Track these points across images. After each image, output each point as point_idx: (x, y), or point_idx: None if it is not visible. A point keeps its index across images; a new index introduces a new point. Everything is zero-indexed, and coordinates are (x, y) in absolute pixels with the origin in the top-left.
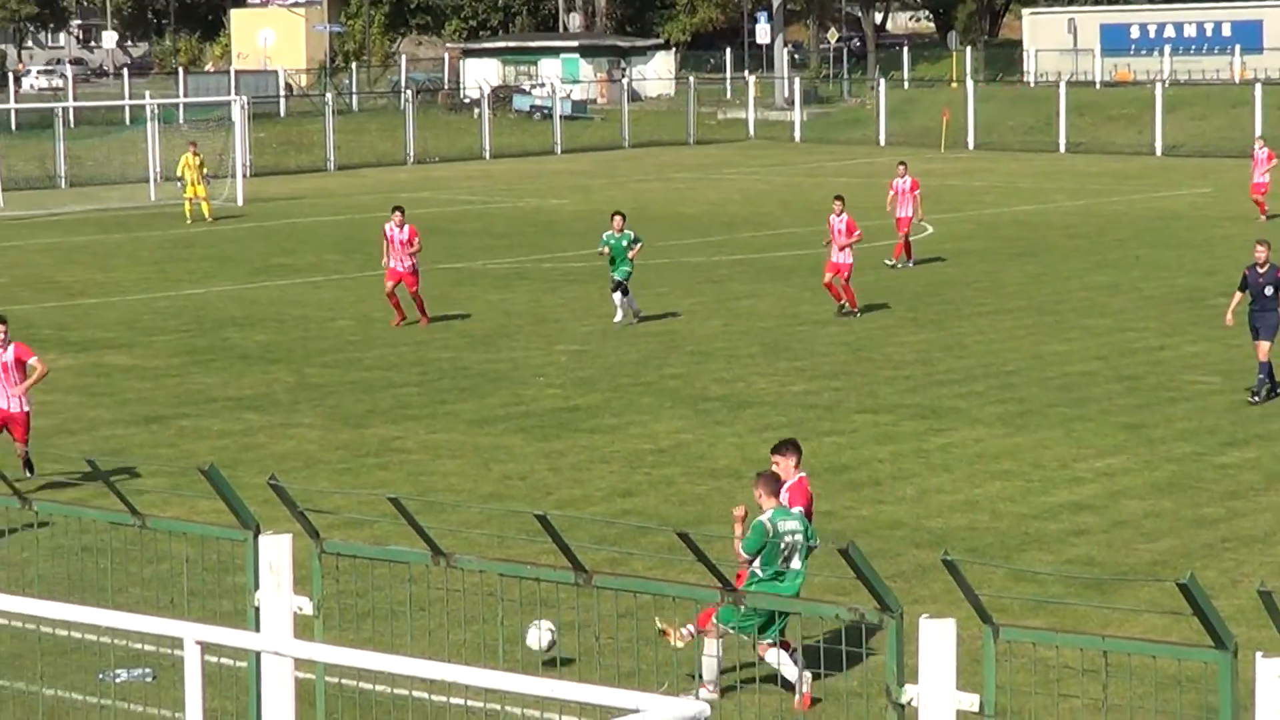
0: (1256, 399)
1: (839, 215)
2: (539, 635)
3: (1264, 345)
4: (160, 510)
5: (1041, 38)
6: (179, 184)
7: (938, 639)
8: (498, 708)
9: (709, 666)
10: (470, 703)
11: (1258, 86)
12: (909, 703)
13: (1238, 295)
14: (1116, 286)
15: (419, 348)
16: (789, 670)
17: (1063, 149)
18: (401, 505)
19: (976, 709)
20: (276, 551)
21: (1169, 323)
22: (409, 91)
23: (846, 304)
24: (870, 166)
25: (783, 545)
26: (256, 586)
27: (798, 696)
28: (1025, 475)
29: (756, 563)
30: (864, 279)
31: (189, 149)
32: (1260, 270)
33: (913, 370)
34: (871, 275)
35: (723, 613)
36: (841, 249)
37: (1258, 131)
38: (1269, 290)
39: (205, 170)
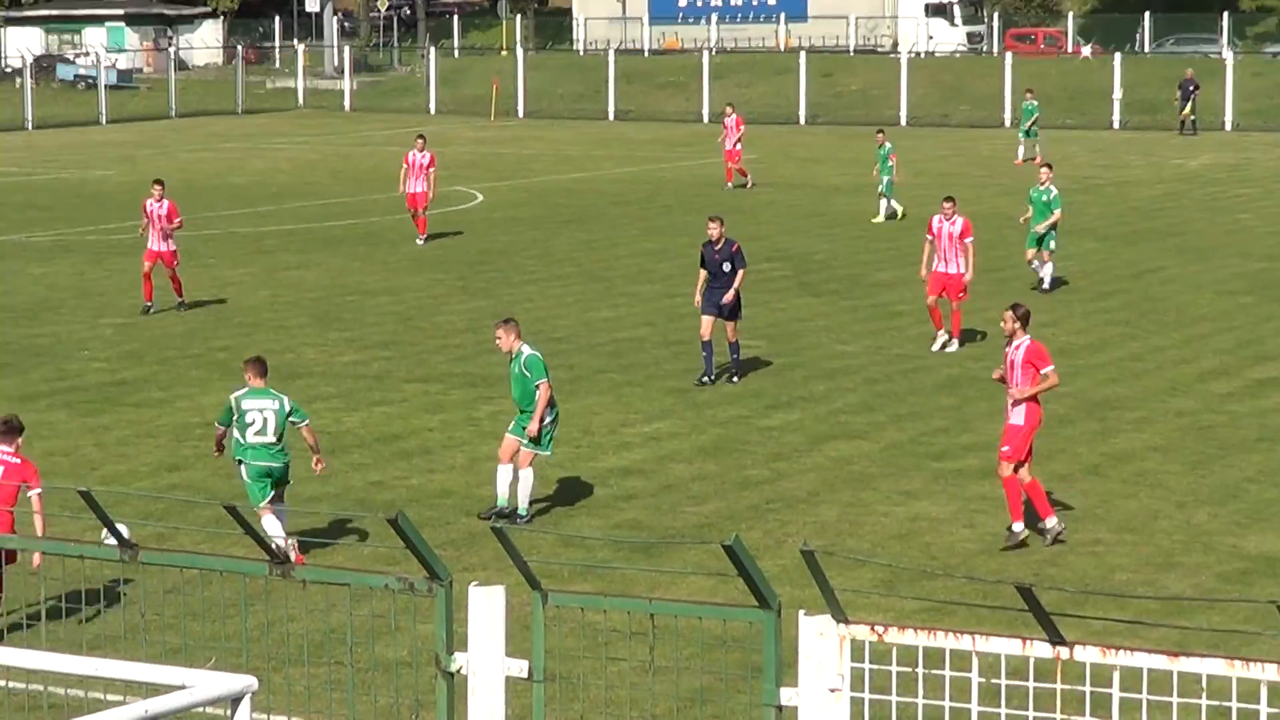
0: (709, 380)
1: (949, 218)
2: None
3: (731, 325)
4: None
5: (591, 6)
6: None
7: (487, 606)
8: (40, 689)
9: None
10: (11, 684)
11: (802, 55)
12: (458, 670)
13: (701, 274)
14: (664, 252)
15: None
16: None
17: (612, 117)
18: None
19: (526, 674)
20: None
21: None
22: None
23: (948, 335)
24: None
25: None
26: None
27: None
28: (574, 442)
29: None
30: (412, 247)
31: None
32: (716, 247)
33: (463, 339)
34: (412, 246)
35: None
36: (946, 260)
37: (802, 100)
38: (726, 266)
39: None
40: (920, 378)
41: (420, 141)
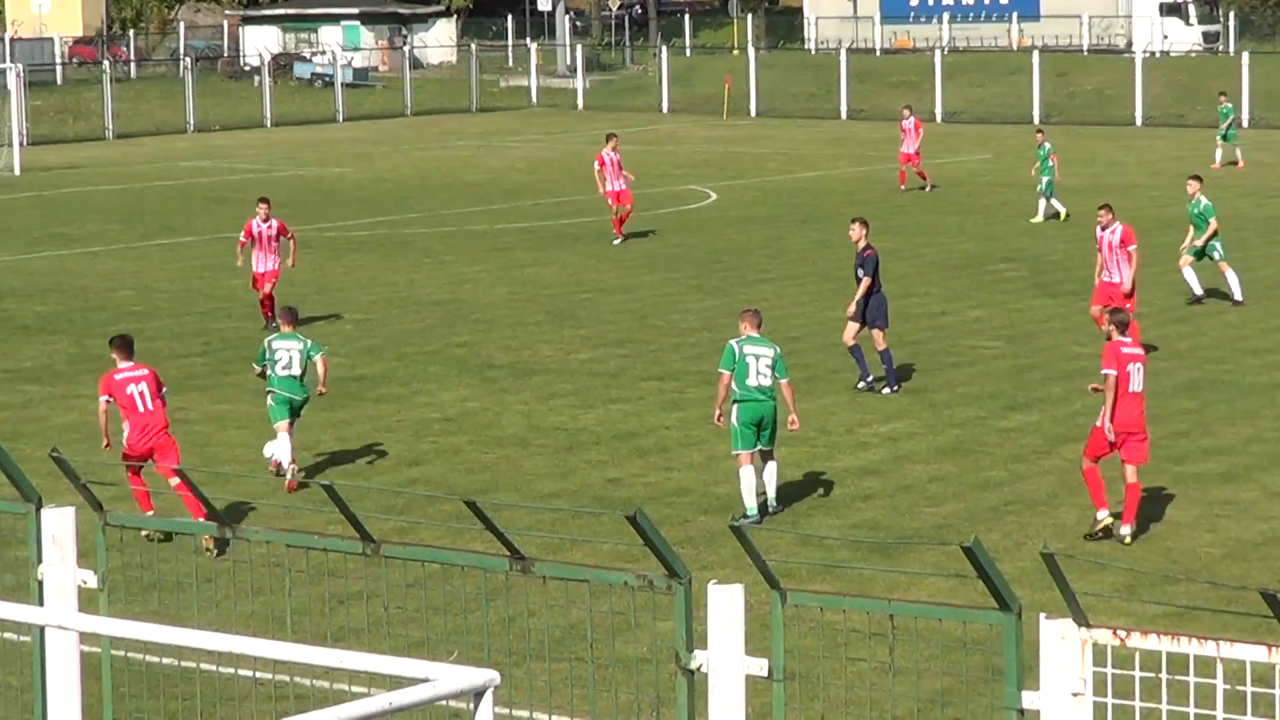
0: (866, 384)
1: (1106, 227)
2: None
3: (877, 333)
4: None
5: (822, 5)
6: None
7: (726, 605)
8: (286, 679)
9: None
10: (259, 674)
11: (1035, 54)
12: (699, 669)
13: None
14: (898, 252)
15: (202, 318)
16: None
17: (844, 116)
18: (186, 476)
19: (766, 674)
20: (59, 524)
21: (950, 288)
22: (188, 59)
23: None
24: (654, 133)
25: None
26: (40, 560)
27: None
28: (811, 441)
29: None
30: (647, 245)
31: None
32: (861, 251)
33: (698, 337)
34: (653, 242)
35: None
36: (1109, 269)
37: (1035, 100)
38: (859, 272)
39: None
40: (1159, 380)
41: (613, 141)
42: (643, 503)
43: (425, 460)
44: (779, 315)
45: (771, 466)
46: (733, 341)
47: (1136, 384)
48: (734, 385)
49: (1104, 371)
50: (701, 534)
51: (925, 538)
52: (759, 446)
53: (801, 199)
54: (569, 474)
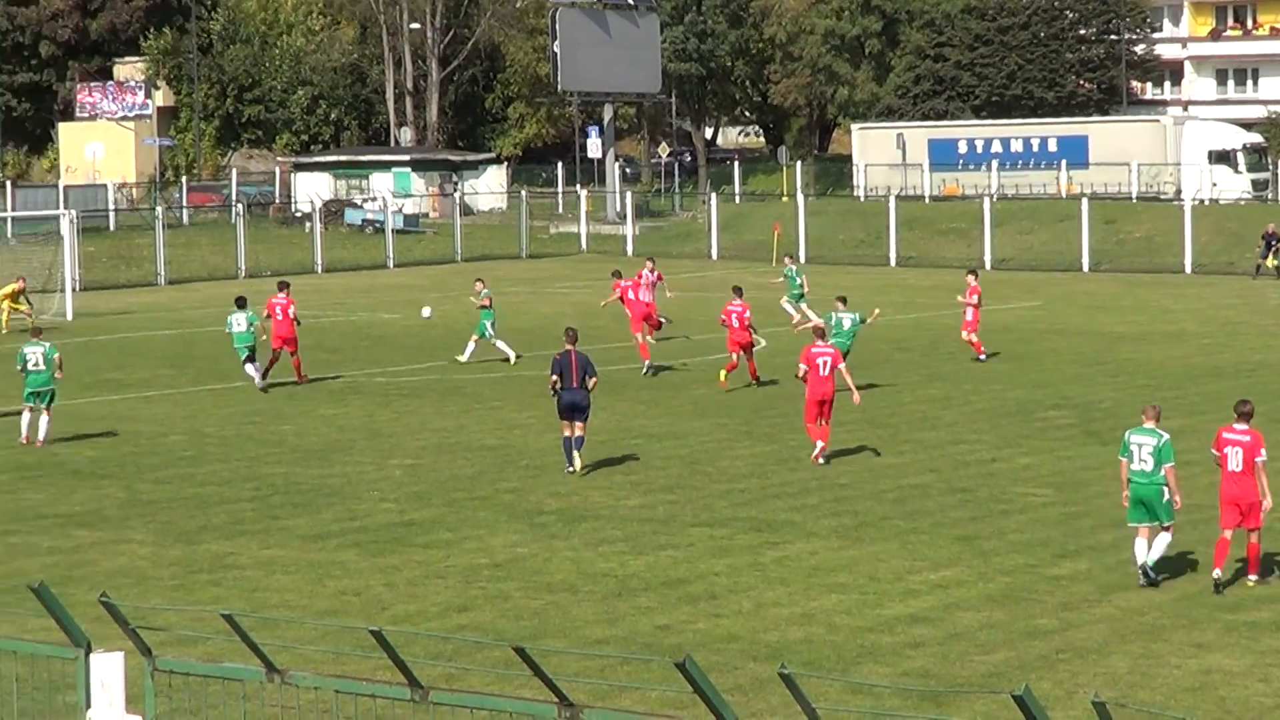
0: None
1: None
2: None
3: None
4: None
5: (871, 152)
6: None
7: None
8: None
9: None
10: None
11: (1084, 201)
12: None
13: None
14: (948, 399)
15: (252, 463)
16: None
17: (893, 262)
18: (235, 621)
19: None
20: (108, 669)
21: (1000, 435)
22: (240, 205)
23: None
24: (702, 280)
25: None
26: (89, 705)
27: None
28: (861, 588)
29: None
30: (697, 392)
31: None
32: None
33: (748, 484)
34: (703, 390)
35: None
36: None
37: (1084, 247)
38: None
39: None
40: (1211, 528)
41: (650, 263)
42: (692, 649)
43: (474, 606)
44: (831, 463)
45: (1162, 538)
46: (1127, 431)
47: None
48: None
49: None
50: (751, 681)
51: (976, 686)
52: (1148, 522)
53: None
54: (618, 620)
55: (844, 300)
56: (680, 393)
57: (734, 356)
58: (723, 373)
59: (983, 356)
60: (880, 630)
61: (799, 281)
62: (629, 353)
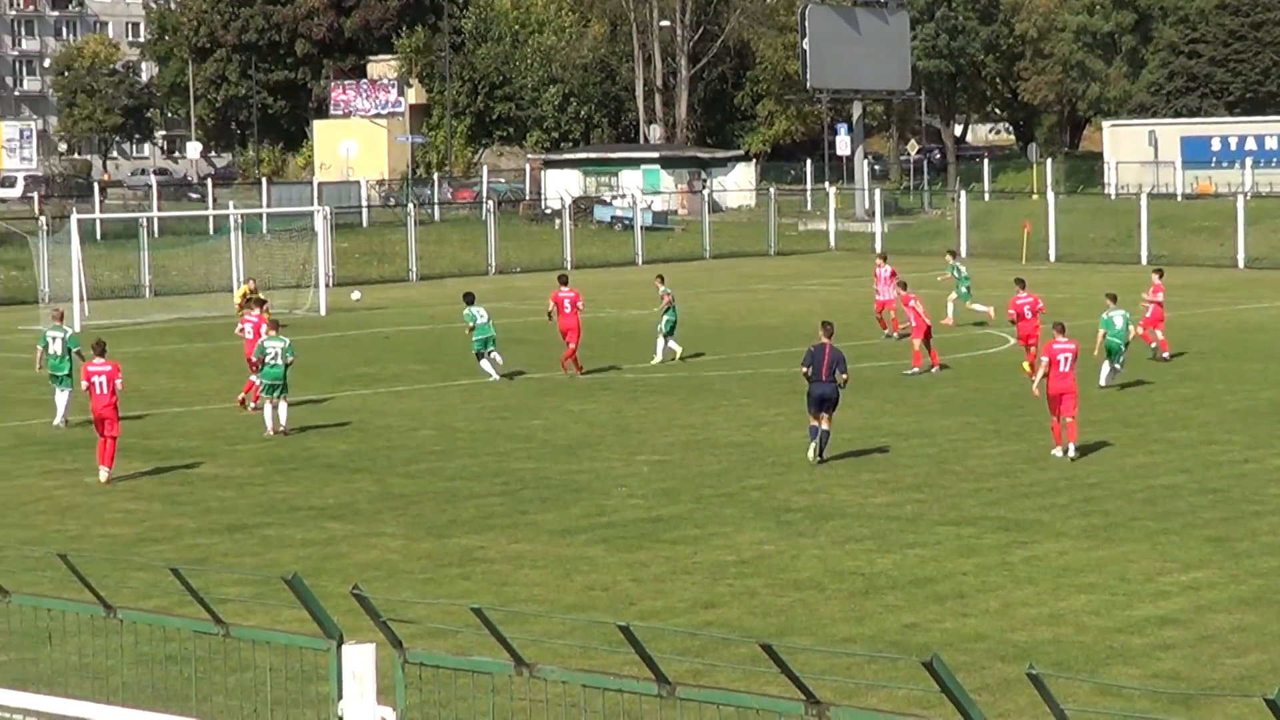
0: None
1: None
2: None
3: None
4: (244, 619)
5: (1122, 150)
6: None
7: None
8: None
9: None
10: None
11: None
12: None
13: None
14: (1201, 399)
15: (501, 458)
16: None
17: (1144, 261)
18: (484, 615)
19: None
20: (360, 661)
21: (1254, 435)
22: (490, 202)
23: None
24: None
25: None
26: (340, 696)
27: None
28: (1110, 589)
29: None
30: (945, 390)
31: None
32: None
33: (996, 483)
34: (951, 388)
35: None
36: None
37: None
38: None
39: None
40: None
41: (880, 260)
42: (939, 648)
43: (721, 602)
44: (1077, 461)
45: None
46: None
47: None
48: None
49: None
50: (998, 681)
51: (1227, 689)
52: None
53: (1093, 344)
54: (865, 618)
55: (1114, 298)
56: (928, 391)
57: (1029, 348)
58: (1025, 364)
59: (1166, 355)
60: (1130, 631)
61: (965, 276)
62: (876, 350)
